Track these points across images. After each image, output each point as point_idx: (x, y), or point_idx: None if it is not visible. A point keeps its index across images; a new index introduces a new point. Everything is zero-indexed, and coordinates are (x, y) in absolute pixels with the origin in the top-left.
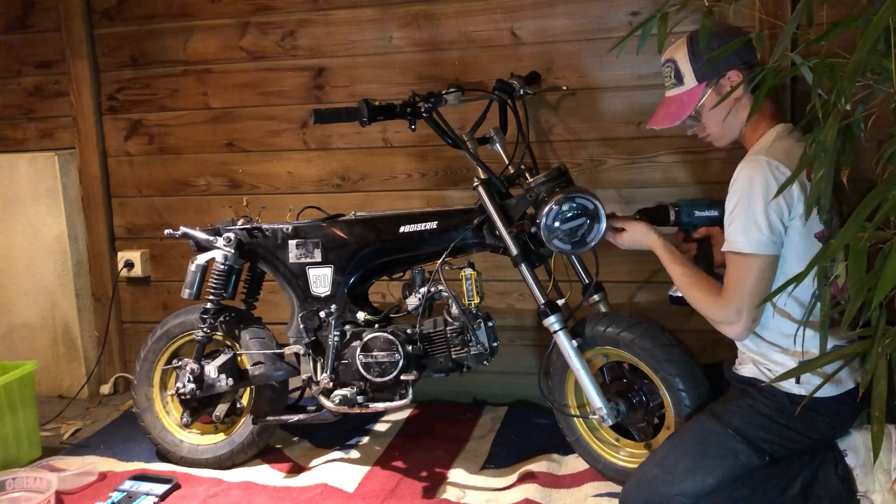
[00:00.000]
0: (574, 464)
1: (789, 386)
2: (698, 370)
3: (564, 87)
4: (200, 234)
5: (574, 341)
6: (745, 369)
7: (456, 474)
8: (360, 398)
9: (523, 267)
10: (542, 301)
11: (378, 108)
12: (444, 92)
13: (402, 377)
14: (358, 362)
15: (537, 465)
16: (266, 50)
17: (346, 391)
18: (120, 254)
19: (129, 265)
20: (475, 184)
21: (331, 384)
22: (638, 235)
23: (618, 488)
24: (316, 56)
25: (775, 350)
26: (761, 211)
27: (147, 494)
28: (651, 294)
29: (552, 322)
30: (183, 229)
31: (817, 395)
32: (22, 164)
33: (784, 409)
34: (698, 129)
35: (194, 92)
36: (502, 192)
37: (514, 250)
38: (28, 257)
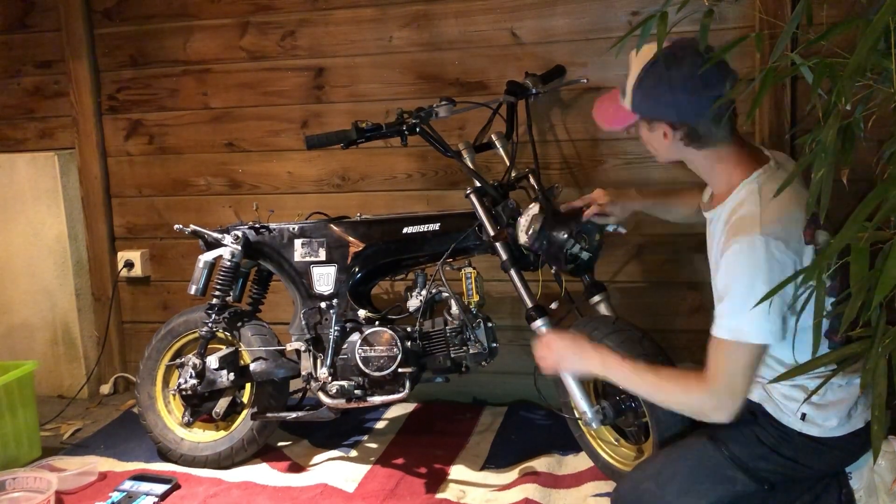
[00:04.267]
0: (574, 463)
1: (796, 425)
2: None
3: (585, 80)
4: (209, 232)
5: None
6: (753, 394)
7: (456, 474)
8: (357, 391)
9: (512, 272)
10: (530, 304)
11: (366, 130)
12: (434, 106)
13: (400, 370)
14: (357, 357)
15: (537, 465)
16: (266, 50)
17: (343, 382)
18: (120, 254)
19: (129, 265)
20: (468, 192)
21: (329, 379)
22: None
23: None
24: (316, 56)
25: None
26: (765, 300)
27: (147, 494)
28: (651, 294)
29: (539, 325)
30: (192, 227)
31: (828, 433)
32: (22, 164)
33: (791, 441)
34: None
35: (194, 92)
36: (496, 198)
37: (502, 255)
38: (28, 257)
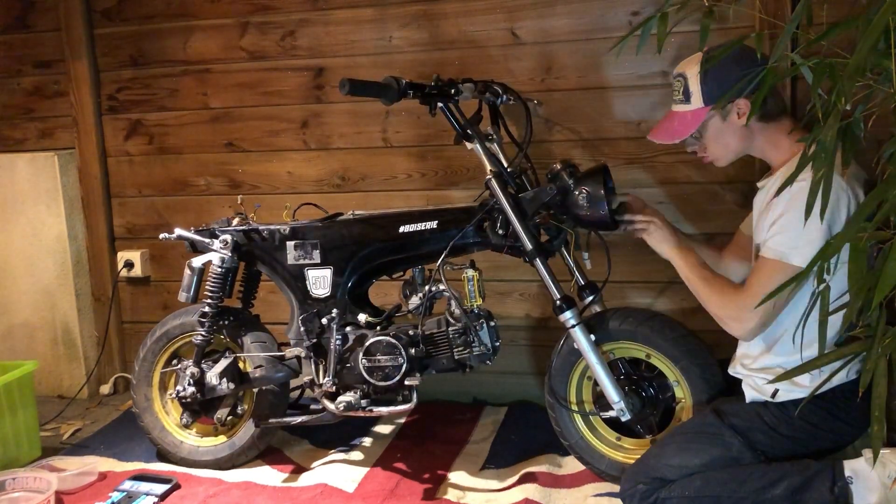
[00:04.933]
0: (574, 464)
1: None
2: (714, 359)
3: (535, 101)
4: (196, 237)
5: (592, 336)
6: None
7: (456, 474)
8: (363, 402)
9: (538, 261)
10: (559, 296)
11: (408, 86)
12: (459, 82)
13: (407, 381)
14: (361, 367)
15: (537, 466)
16: (266, 50)
17: (349, 397)
18: (120, 254)
19: (129, 265)
20: (487, 177)
21: (334, 388)
22: (656, 239)
23: (618, 489)
24: (316, 56)
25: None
26: (818, 228)
27: (147, 494)
28: (646, 295)
29: (568, 317)
30: (178, 231)
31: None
32: (22, 164)
33: (791, 421)
34: (699, 147)
35: (194, 92)
36: (515, 185)
37: (528, 244)
38: (28, 257)
